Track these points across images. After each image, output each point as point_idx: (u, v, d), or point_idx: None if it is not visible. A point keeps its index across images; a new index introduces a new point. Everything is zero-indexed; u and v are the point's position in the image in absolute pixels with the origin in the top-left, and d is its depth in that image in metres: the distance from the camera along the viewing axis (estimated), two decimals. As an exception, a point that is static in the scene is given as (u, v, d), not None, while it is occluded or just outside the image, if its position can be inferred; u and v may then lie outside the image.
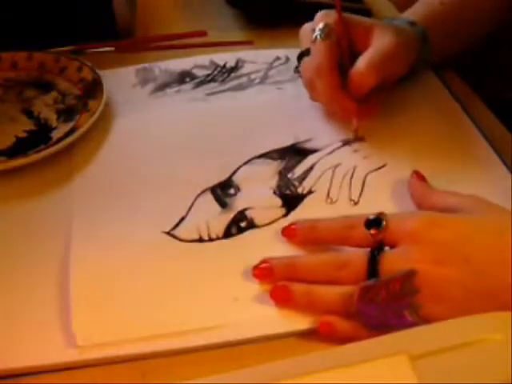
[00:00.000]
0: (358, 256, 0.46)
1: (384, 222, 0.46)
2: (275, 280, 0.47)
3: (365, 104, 0.59)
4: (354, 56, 0.59)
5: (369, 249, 0.46)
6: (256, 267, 0.48)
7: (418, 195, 0.52)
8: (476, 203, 0.47)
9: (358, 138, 0.60)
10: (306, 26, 0.63)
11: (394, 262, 0.44)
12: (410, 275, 0.43)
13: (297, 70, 0.65)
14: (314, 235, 0.50)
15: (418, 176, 0.54)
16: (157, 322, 0.46)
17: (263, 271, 0.48)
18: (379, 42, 0.59)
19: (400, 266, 0.44)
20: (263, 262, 0.48)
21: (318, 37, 0.59)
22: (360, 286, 0.44)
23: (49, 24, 0.76)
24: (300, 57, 0.62)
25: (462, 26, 0.67)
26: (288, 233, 0.51)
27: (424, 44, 0.63)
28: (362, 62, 0.58)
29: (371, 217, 0.47)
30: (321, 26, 0.60)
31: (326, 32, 0.59)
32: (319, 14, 0.62)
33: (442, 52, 0.66)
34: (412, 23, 0.64)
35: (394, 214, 0.47)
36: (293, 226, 0.51)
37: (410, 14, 0.66)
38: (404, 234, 0.45)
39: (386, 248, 0.46)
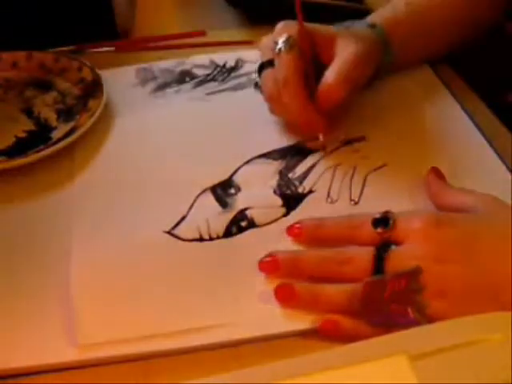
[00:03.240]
0: (363, 252, 0.46)
1: (391, 221, 0.46)
2: (280, 273, 0.48)
3: (329, 117, 0.58)
4: (317, 67, 0.58)
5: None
6: (262, 261, 0.48)
7: (434, 192, 0.52)
8: (491, 203, 0.47)
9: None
10: (266, 38, 0.61)
11: (399, 259, 0.44)
12: (415, 273, 0.43)
13: (256, 85, 0.63)
14: (320, 234, 0.50)
15: (436, 173, 0.53)
16: (157, 321, 0.46)
17: (269, 265, 0.48)
18: (344, 53, 0.58)
19: (405, 264, 0.44)
20: (269, 255, 0.48)
21: (283, 48, 0.58)
22: (365, 282, 0.44)
23: (49, 24, 0.76)
24: (260, 69, 0.61)
25: (429, 28, 0.66)
26: (293, 232, 0.51)
27: (385, 46, 0.62)
28: (329, 76, 0.56)
29: (378, 215, 0.47)
30: (284, 37, 0.58)
31: (291, 43, 0.58)
32: (279, 26, 0.61)
33: (407, 55, 0.65)
34: (372, 25, 0.62)
35: (400, 212, 0.47)
36: (297, 225, 0.51)
37: (374, 15, 0.65)
38: (410, 232, 0.45)
39: (392, 246, 0.46)
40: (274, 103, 0.60)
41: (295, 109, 0.57)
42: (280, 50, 0.58)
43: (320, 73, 0.58)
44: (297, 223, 0.51)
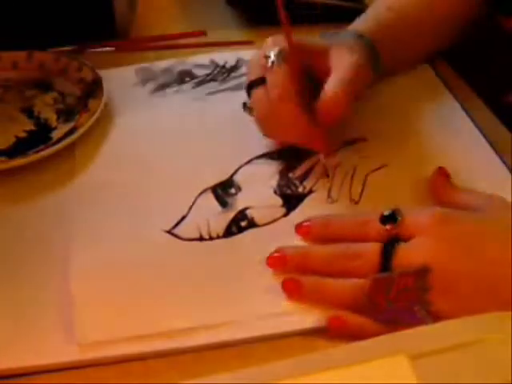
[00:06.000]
0: (371, 247, 0.46)
1: (399, 218, 0.46)
2: (288, 269, 0.48)
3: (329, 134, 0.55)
4: (310, 82, 0.56)
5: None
6: (270, 256, 0.49)
7: (439, 191, 0.52)
8: (497, 203, 0.48)
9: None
10: (256, 55, 0.58)
11: (406, 254, 0.45)
12: (423, 272, 0.43)
13: (245, 106, 0.58)
14: (328, 232, 0.50)
15: (441, 172, 0.53)
16: (157, 321, 0.46)
17: (277, 260, 0.48)
18: (341, 65, 0.55)
19: (412, 259, 0.44)
20: (277, 251, 0.49)
21: (276, 62, 0.54)
22: (372, 278, 0.44)
23: (49, 24, 0.76)
24: (249, 89, 0.57)
25: (414, 33, 0.65)
26: (302, 230, 0.51)
27: (374, 57, 0.60)
28: (330, 89, 0.53)
29: (386, 212, 0.47)
30: (276, 51, 0.55)
31: (283, 57, 0.54)
32: (268, 41, 0.57)
33: (392, 61, 0.63)
34: (359, 36, 0.60)
35: (408, 209, 0.47)
36: (306, 224, 0.51)
37: (358, 24, 0.63)
38: (418, 228, 0.45)
39: (400, 242, 0.46)
40: (268, 123, 0.56)
41: (294, 125, 0.54)
42: (273, 63, 0.54)
43: (313, 87, 0.55)
44: (306, 221, 0.51)
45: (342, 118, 0.54)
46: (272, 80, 0.54)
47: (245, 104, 0.58)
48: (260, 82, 0.56)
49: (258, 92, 0.56)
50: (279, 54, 0.54)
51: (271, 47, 0.56)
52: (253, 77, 0.57)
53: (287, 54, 0.55)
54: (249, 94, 0.58)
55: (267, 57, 0.55)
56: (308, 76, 0.56)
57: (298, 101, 0.53)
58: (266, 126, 0.57)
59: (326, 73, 0.56)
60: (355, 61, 0.56)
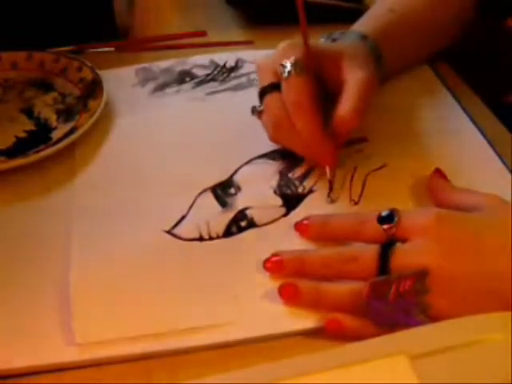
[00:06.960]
0: (368, 250, 0.46)
1: (396, 218, 0.46)
2: (285, 273, 0.48)
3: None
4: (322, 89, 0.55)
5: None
6: (267, 260, 0.49)
7: (438, 192, 0.52)
8: (496, 203, 0.47)
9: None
10: (265, 61, 0.58)
11: (404, 256, 0.44)
12: (422, 274, 0.43)
13: (254, 110, 0.58)
14: (326, 230, 0.50)
15: (439, 173, 0.54)
16: (157, 321, 0.46)
17: (274, 264, 0.48)
18: (353, 82, 0.54)
19: (410, 261, 0.44)
20: (274, 255, 0.49)
21: (293, 72, 0.54)
22: (370, 281, 0.44)
23: (49, 24, 0.76)
24: (261, 94, 0.57)
25: (415, 33, 0.65)
26: (300, 228, 0.51)
27: (377, 58, 0.60)
28: (344, 108, 0.53)
29: (384, 213, 0.47)
30: (292, 60, 0.54)
31: (300, 66, 0.54)
32: (283, 47, 0.56)
33: (394, 63, 0.63)
34: (363, 37, 0.60)
35: (406, 209, 0.47)
36: (305, 222, 0.51)
37: (361, 25, 0.63)
38: (416, 228, 0.45)
39: (397, 243, 0.46)
40: (280, 130, 0.56)
41: (308, 135, 0.53)
42: (290, 73, 0.54)
43: (325, 95, 0.55)
44: (305, 219, 0.51)
45: (351, 134, 0.55)
46: (288, 89, 0.54)
47: (254, 108, 0.58)
48: (273, 87, 0.56)
49: (272, 98, 0.56)
50: (296, 64, 0.54)
51: (286, 55, 0.55)
52: (265, 82, 0.57)
53: (303, 64, 0.54)
54: (261, 99, 0.57)
55: (283, 65, 0.55)
56: (321, 85, 0.55)
57: (313, 111, 0.53)
58: (277, 132, 0.57)
59: (338, 84, 0.55)
60: (367, 75, 0.55)
